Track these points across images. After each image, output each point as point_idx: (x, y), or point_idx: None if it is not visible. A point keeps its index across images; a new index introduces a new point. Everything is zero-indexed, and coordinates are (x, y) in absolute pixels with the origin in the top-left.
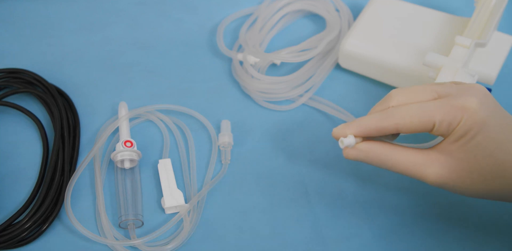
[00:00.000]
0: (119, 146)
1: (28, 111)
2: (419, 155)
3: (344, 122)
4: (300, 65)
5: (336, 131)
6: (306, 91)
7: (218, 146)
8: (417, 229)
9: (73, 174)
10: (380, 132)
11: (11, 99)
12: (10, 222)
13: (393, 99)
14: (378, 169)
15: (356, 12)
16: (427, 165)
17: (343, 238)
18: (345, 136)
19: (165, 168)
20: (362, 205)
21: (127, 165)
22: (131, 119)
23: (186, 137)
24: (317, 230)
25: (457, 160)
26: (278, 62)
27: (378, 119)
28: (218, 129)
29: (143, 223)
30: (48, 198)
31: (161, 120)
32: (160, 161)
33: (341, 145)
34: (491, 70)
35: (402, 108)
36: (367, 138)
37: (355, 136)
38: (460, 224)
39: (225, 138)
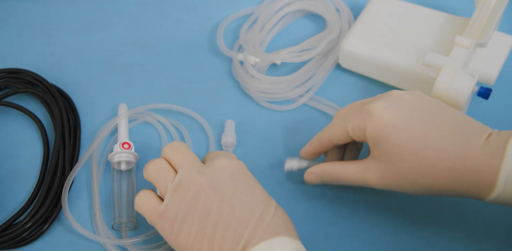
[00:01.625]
0: (117, 147)
1: (29, 111)
2: (359, 165)
3: None
4: (300, 65)
5: (301, 153)
6: (307, 91)
7: (221, 146)
8: (418, 228)
9: (70, 173)
10: (323, 146)
11: (11, 99)
12: (11, 222)
13: (335, 115)
14: None
15: (356, 12)
16: (366, 172)
17: (344, 237)
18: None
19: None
20: (362, 204)
21: (123, 167)
22: (129, 121)
23: (184, 139)
24: (319, 229)
25: (384, 162)
26: (278, 62)
27: (318, 135)
28: (219, 129)
29: (136, 226)
30: (48, 198)
31: (159, 122)
32: None
33: (285, 169)
34: (491, 70)
35: (332, 122)
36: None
37: (306, 158)
38: (461, 224)
39: (229, 138)
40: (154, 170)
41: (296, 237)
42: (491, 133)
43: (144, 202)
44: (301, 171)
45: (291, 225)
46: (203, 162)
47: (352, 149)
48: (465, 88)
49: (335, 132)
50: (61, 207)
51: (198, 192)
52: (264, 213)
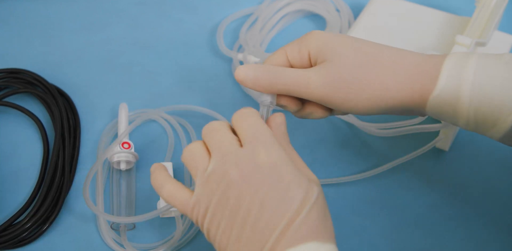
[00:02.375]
0: (116, 147)
1: (29, 111)
2: (304, 70)
3: (345, 122)
4: None
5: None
6: None
7: None
8: (418, 228)
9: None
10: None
11: (11, 99)
12: (11, 222)
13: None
14: (379, 169)
15: (356, 12)
16: (310, 74)
17: (345, 237)
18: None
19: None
20: (363, 204)
21: (123, 166)
22: (135, 118)
23: (190, 137)
24: None
25: (328, 63)
26: None
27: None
28: None
29: (135, 226)
30: (48, 198)
31: (166, 120)
32: (163, 164)
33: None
34: None
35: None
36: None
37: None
38: (462, 224)
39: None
40: (188, 156)
41: (328, 239)
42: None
43: (174, 197)
44: None
45: (325, 225)
46: (237, 135)
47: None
48: None
49: (275, 58)
50: (61, 207)
51: (229, 185)
52: (294, 215)
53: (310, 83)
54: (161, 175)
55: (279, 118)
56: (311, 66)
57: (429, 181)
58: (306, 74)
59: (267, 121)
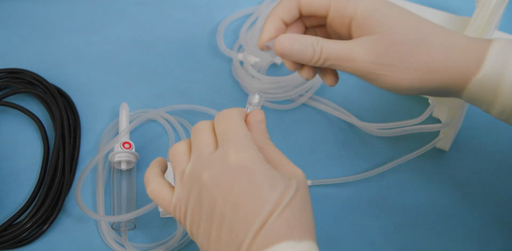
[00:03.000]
0: (117, 147)
1: (29, 111)
2: (347, 41)
3: (345, 122)
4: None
5: (259, 39)
6: (307, 91)
7: None
8: (419, 228)
9: (80, 176)
10: (291, 13)
11: (11, 99)
12: (11, 222)
13: None
14: (380, 169)
15: None
16: (355, 44)
17: (344, 238)
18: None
19: (166, 172)
20: (364, 204)
21: (123, 166)
22: (136, 118)
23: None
24: (320, 230)
25: (375, 36)
26: (279, 62)
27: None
28: None
29: (135, 226)
30: (48, 198)
31: (166, 120)
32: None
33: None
34: None
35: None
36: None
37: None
38: (462, 224)
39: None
40: (171, 155)
41: (306, 236)
42: None
43: (157, 195)
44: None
45: (303, 222)
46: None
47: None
48: None
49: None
50: (61, 207)
51: (202, 188)
52: (267, 216)
53: (356, 58)
54: (151, 172)
55: (259, 116)
56: (348, 34)
57: (429, 181)
58: (350, 48)
59: (245, 118)
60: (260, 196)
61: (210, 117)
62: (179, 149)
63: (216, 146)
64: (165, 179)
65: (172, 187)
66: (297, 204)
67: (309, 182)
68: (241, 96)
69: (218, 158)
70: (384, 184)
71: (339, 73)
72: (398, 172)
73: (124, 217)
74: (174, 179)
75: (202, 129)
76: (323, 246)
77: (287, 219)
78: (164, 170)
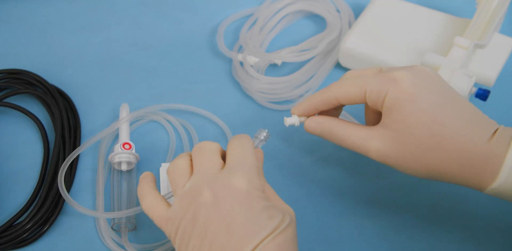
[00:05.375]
0: (117, 148)
1: (29, 111)
2: (365, 130)
3: None
4: (300, 65)
5: (292, 109)
6: (307, 92)
7: None
8: (419, 229)
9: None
10: (325, 104)
11: (11, 100)
12: (11, 223)
13: (344, 76)
14: (379, 170)
15: (358, 12)
16: (370, 138)
17: (345, 238)
18: (295, 114)
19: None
20: (364, 205)
21: (124, 167)
22: (135, 120)
23: (192, 138)
24: (320, 231)
25: (394, 132)
26: (279, 62)
27: (321, 91)
28: (220, 129)
29: (135, 227)
30: (49, 199)
31: (168, 121)
32: (162, 164)
33: (285, 124)
34: (490, 72)
35: (341, 81)
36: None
37: (300, 116)
38: (462, 225)
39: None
40: (171, 170)
41: None
42: (498, 127)
43: (151, 210)
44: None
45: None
46: (225, 156)
47: (334, 114)
48: (462, 88)
49: (348, 91)
50: (61, 207)
51: (200, 206)
52: (261, 241)
53: (370, 150)
54: (145, 186)
55: (259, 154)
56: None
57: (429, 181)
58: (368, 140)
59: None
60: (259, 222)
61: (208, 119)
62: (181, 164)
63: (221, 168)
64: (159, 193)
65: (167, 203)
66: (289, 234)
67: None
68: (241, 97)
69: (223, 179)
70: (384, 184)
71: (339, 72)
72: (398, 172)
73: (119, 214)
74: (174, 194)
75: (209, 149)
76: (323, 246)
77: (278, 245)
78: (155, 185)
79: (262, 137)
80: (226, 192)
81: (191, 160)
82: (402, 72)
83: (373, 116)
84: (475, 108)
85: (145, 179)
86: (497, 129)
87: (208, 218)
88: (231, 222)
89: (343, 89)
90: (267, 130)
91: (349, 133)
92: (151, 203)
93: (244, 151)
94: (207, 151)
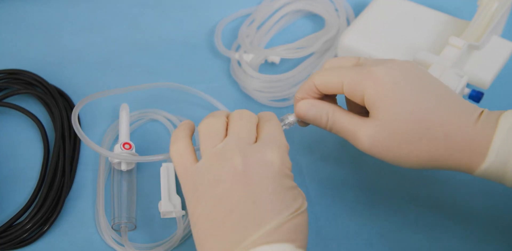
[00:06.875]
0: (117, 148)
1: (29, 112)
2: (356, 117)
3: None
4: (297, 64)
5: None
6: None
7: None
8: (418, 229)
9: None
10: (308, 93)
11: (11, 100)
12: (11, 223)
13: (325, 64)
14: (379, 170)
15: (358, 12)
16: (361, 126)
17: (344, 238)
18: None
19: (167, 172)
20: (363, 204)
21: (123, 167)
22: (137, 119)
23: (194, 140)
24: (318, 230)
25: (380, 121)
26: (277, 60)
27: (305, 82)
28: None
29: (136, 227)
30: (49, 199)
31: (169, 120)
32: (163, 164)
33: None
34: (486, 75)
35: (322, 70)
36: None
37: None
38: (461, 224)
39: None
40: (205, 128)
41: (303, 247)
42: (483, 110)
43: (178, 156)
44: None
45: (305, 233)
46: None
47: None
48: (451, 86)
49: (327, 81)
50: (61, 207)
51: (228, 171)
52: (280, 219)
53: (359, 140)
54: (181, 132)
55: None
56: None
57: (429, 181)
58: (357, 128)
59: None
60: (285, 200)
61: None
62: (217, 124)
63: (254, 140)
64: (192, 144)
65: (196, 156)
66: (305, 218)
67: None
68: (240, 96)
69: (257, 151)
70: (384, 184)
71: None
72: (398, 172)
73: (147, 158)
74: (202, 151)
75: (249, 118)
76: (323, 246)
77: (295, 225)
78: (191, 134)
79: (287, 122)
80: (259, 165)
81: (226, 122)
82: (380, 67)
83: (353, 106)
84: (456, 94)
85: (184, 125)
86: (481, 112)
87: (232, 184)
88: (258, 194)
89: (323, 79)
90: (294, 115)
91: (341, 119)
92: (181, 149)
93: (277, 129)
94: (247, 119)
